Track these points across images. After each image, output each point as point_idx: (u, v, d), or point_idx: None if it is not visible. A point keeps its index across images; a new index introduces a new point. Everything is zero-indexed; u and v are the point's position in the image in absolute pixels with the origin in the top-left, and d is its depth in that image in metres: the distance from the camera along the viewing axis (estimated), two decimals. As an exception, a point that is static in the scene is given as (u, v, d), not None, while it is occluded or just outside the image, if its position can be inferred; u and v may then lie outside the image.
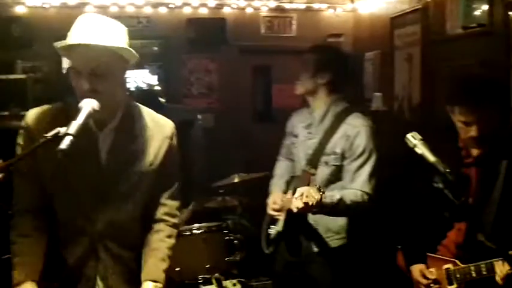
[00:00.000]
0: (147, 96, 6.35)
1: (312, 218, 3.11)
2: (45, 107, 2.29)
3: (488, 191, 2.44)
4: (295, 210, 2.75)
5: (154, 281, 2.26)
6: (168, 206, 2.41)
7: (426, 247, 2.68)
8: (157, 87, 6.48)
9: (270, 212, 3.21)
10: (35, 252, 2.23)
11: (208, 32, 6.59)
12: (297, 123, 3.33)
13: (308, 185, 3.03)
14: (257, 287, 4.19)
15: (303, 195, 2.66)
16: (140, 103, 2.42)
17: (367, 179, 2.99)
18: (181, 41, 6.66)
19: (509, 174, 2.41)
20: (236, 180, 4.68)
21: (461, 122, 2.39)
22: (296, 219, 3.10)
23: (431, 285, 2.60)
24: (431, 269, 2.61)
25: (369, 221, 3.46)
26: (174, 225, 2.43)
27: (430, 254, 2.66)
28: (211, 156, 5.83)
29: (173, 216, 2.43)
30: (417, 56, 5.20)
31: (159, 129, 2.35)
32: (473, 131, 2.36)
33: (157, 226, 2.38)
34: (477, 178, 2.49)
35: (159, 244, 2.35)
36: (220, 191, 4.89)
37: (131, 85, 6.46)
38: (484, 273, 2.34)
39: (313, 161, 3.12)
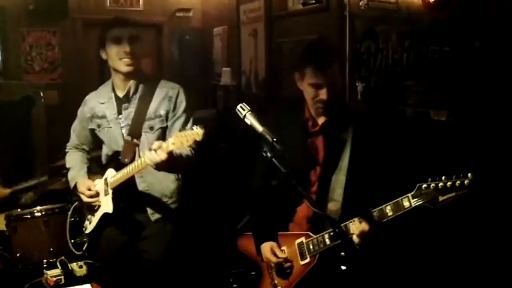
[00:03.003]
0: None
1: (143, 188, 3.05)
2: None
3: (335, 159, 2.48)
4: (156, 161, 2.60)
5: None
6: None
7: (276, 225, 2.63)
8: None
9: (87, 199, 3.09)
10: None
11: (49, 4, 6.21)
12: (98, 104, 3.17)
13: (134, 155, 2.98)
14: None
15: (168, 143, 2.55)
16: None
17: None
18: (19, 12, 6.23)
19: (355, 141, 2.47)
20: (80, 158, 4.49)
21: (311, 85, 2.43)
22: (125, 196, 3.02)
23: (283, 264, 2.54)
24: (283, 247, 2.58)
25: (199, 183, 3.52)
26: None
27: (281, 232, 2.62)
28: (56, 134, 5.55)
29: None
30: (261, 31, 5.32)
31: None
32: (323, 94, 2.41)
33: None
34: (324, 147, 2.53)
35: None
36: (64, 171, 4.66)
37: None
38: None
39: (135, 130, 3.04)
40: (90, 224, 3.15)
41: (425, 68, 3.37)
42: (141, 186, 3.04)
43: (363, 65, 3.92)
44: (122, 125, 3.06)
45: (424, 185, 2.16)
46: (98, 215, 3.09)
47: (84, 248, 3.23)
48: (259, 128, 2.20)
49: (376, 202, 2.30)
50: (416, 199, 2.17)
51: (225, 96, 6.26)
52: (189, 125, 3.04)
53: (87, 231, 3.19)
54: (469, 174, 2.09)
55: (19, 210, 4.14)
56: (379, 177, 2.43)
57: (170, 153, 2.58)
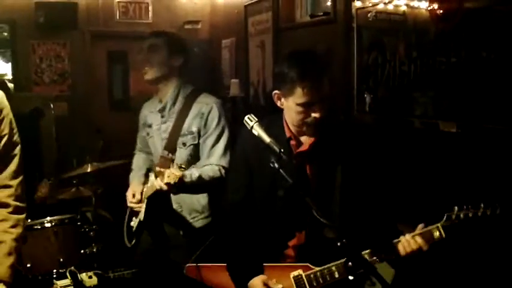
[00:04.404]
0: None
1: (175, 201, 3.10)
2: None
3: (328, 181, 2.26)
4: (158, 188, 2.76)
5: None
6: (13, 187, 2.20)
7: (265, 257, 2.30)
8: (5, 74, 6.13)
9: (130, 204, 3.17)
10: None
11: (59, 17, 6.29)
12: (149, 112, 3.28)
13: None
14: (115, 278, 4.08)
15: (165, 176, 2.62)
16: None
17: (223, 153, 3.04)
18: (30, 25, 6.31)
19: (347, 159, 2.25)
20: (89, 169, 4.51)
21: (301, 104, 2.16)
22: (158, 206, 3.08)
23: None
24: (273, 280, 2.20)
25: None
26: (20, 210, 2.23)
27: (268, 264, 2.27)
28: (65, 145, 5.60)
29: (18, 198, 2.22)
30: (269, 43, 5.35)
31: None
32: (315, 113, 2.16)
33: (0, 214, 2.17)
34: (314, 169, 2.29)
35: (4, 236, 2.15)
36: (74, 181, 4.70)
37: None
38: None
39: (171, 145, 3.10)
40: (134, 226, 3.25)
41: (432, 79, 3.38)
42: (173, 199, 3.10)
43: (371, 77, 3.94)
44: (162, 137, 3.13)
45: (453, 215, 2.06)
46: (137, 219, 3.19)
47: (133, 242, 3.27)
48: (267, 139, 2.13)
49: (376, 224, 2.21)
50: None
51: (232, 107, 6.28)
52: (222, 141, 3.05)
53: (133, 230, 3.27)
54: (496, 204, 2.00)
55: (29, 220, 4.16)
56: (377, 198, 2.28)
57: (168, 184, 2.63)
